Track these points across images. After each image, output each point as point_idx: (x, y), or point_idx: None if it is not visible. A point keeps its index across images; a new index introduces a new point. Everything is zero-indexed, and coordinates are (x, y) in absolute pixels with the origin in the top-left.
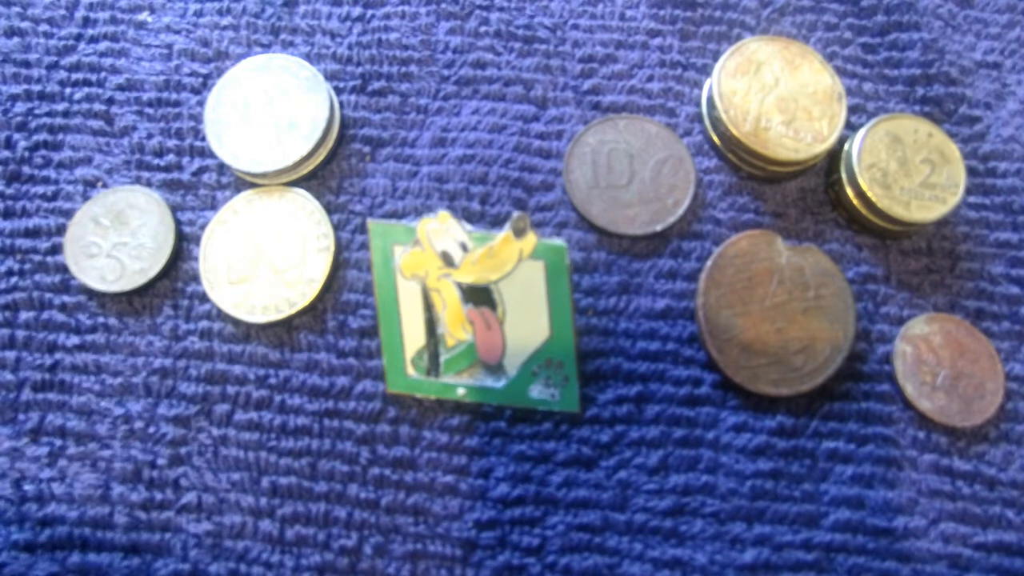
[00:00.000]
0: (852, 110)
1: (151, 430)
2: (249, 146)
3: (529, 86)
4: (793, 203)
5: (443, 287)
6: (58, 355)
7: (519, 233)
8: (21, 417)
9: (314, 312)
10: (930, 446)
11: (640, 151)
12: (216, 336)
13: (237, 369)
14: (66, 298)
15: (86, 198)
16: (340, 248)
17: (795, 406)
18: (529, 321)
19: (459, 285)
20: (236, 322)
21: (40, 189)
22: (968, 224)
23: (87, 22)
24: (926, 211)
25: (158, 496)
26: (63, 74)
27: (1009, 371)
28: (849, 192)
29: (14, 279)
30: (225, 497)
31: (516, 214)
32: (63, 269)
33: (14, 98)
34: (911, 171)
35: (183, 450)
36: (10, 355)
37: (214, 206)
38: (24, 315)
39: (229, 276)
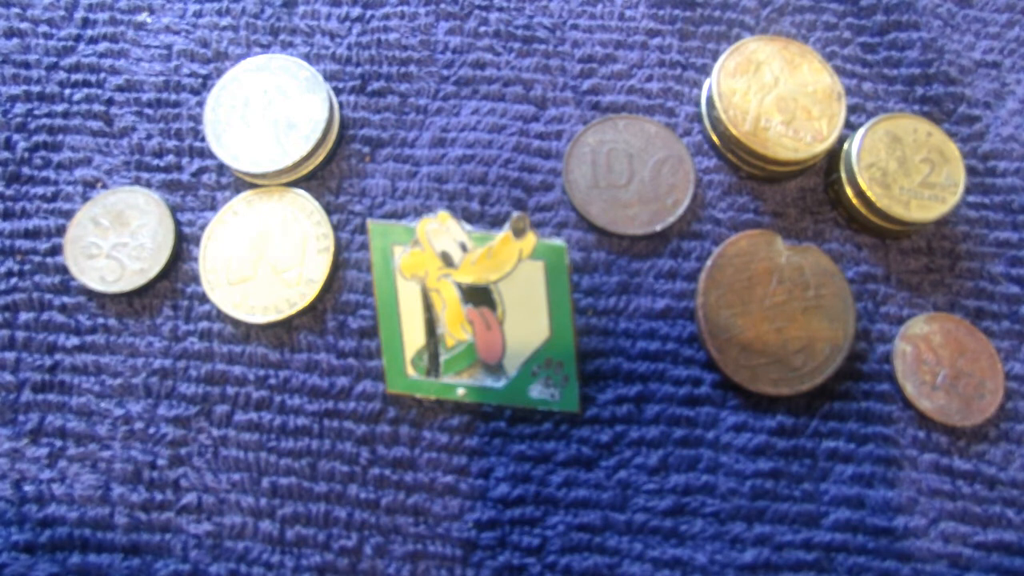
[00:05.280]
0: (851, 109)
1: (151, 431)
2: (249, 146)
3: (528, 86)
4: (793, 203)
5: (443, 287)
6: (58, 356)
7: (519, 233)
8: (21, 418)
9: (314, 312)
10: (930, 445)
11: (640, 151)
12: (216, 337)
13: (237, 370)
14: (66, 299)
15: (86, 199)
16: (340, 248)
17: (795, 406)
18: (529, 321)
19: (459, 285)
20: (236, 322)
21: (40, 190)
22: (968, 223)
23: (86, 23)
24: (925, 210)
25: (158, 497)
26: (62, 75)
27: (1009, 370)
28: (849, 191)
29: (14, 280)
30: (225, 498)
31: (516, 214)
32: (63, 270)
33: (13, 99)
34: (910, 170)
35: (183, 451)
36: (10, 356)
37: (214, 206)
38: (24, 316)
39: (229, 276)
